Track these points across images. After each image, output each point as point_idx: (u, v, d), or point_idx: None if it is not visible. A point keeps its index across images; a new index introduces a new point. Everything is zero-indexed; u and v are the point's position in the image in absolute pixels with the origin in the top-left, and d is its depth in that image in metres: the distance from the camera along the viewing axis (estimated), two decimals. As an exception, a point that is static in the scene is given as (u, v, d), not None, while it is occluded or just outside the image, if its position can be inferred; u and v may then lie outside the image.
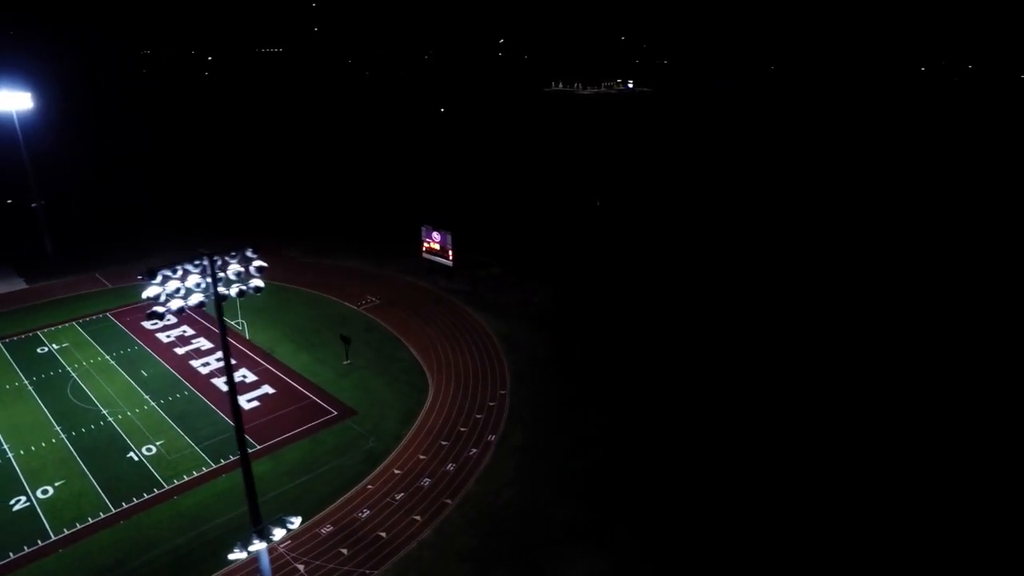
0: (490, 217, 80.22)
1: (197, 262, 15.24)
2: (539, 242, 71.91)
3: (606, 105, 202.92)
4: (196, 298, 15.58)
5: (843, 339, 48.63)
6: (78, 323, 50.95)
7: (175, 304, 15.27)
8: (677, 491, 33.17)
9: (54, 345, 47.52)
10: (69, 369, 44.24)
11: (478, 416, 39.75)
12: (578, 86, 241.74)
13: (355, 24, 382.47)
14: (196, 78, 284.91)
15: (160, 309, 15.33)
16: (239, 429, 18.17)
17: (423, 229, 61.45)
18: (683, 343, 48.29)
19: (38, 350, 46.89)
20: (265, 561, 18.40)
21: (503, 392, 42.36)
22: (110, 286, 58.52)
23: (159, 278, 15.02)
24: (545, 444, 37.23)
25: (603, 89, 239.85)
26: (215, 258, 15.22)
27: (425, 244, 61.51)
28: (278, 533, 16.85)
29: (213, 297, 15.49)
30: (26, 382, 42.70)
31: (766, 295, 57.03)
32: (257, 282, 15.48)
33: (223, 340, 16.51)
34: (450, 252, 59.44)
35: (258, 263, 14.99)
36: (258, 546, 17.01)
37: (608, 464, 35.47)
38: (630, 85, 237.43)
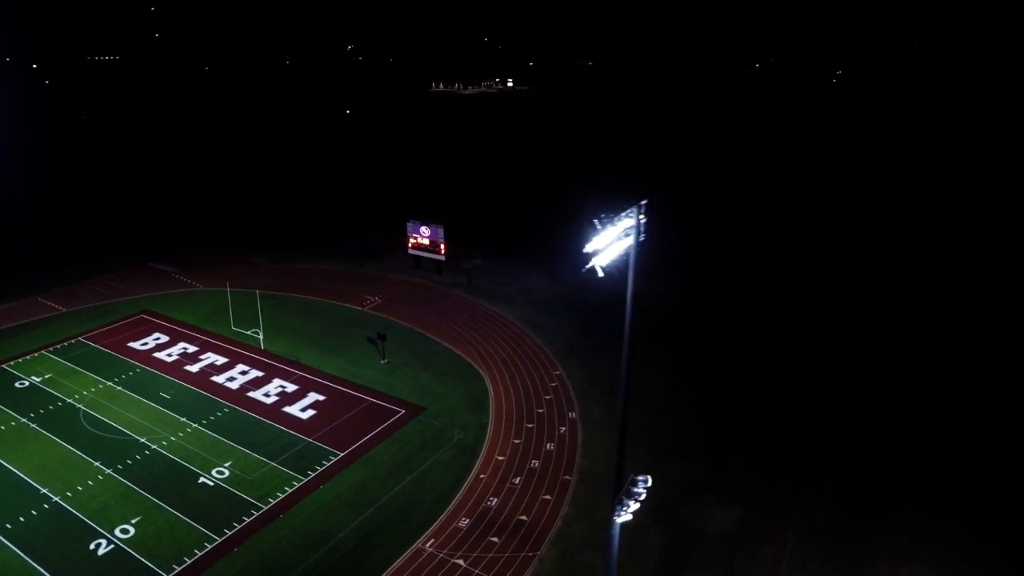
0: (450, 213, 79.37)
1: (624, 214, 14.57)
2: (508, 232, 72.53)
3: (497, 103, 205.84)
4: (618, 250, 14.80)
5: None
6: (48, 351, 44.23)
7: (609, 257, 14.41)
8: (766, 441, 35.74)
9: (33, 378, 41.00)
10: (70, 400, 38.51)
11: (547, 397, 39.98)
12: (458, 86, 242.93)
13: (202, 30, 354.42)
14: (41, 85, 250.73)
15: (603, 263, 14.47)
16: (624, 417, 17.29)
17: (409, 225, 59.79)
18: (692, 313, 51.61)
19: (16, 384, 40.26)
20: (616, 534, 18.07)
21: (558, 373, 42.82)
22: (64, 309, 51.14)
23: (605, 228, 14.19)
24: (624, 415, 38.30)
25: (483, 88, 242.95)
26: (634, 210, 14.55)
27: (412, 240, 59.85)
28: (643, 490, 16.64)
29: (633, 250, 14.86)
30: (23, 420, 36.63)
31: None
32: (630, 239, 15.07)
33: (630, 299, 15.50)
34: (442, 246, 58.44)
35: (642, 218, 14.63)
36: (634, 506, 16.68)
37: (691, 426, 37.30)
38: (510, 84, 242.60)
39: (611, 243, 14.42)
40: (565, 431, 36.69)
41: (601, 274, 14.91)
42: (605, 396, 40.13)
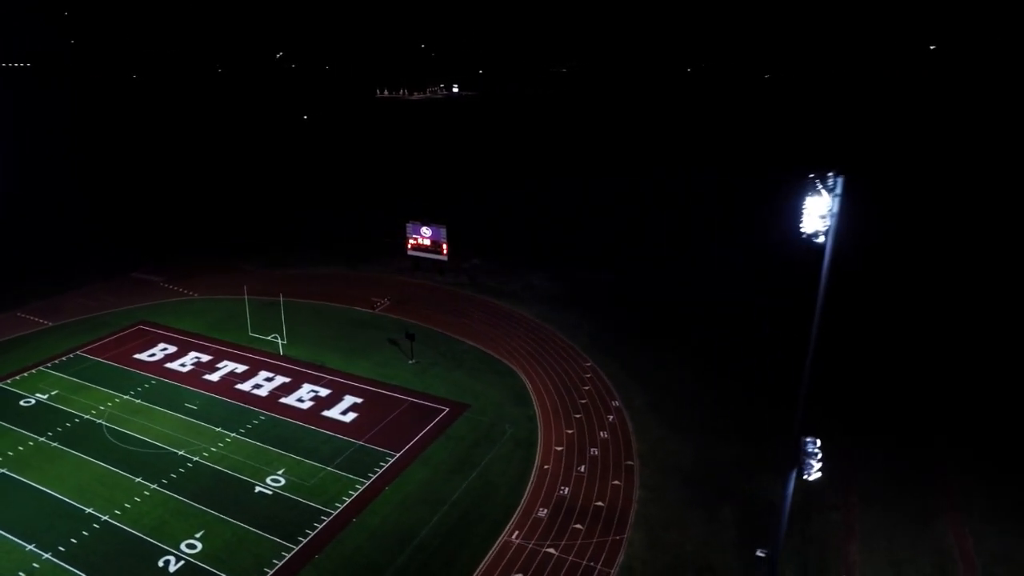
0: (447, 213, 78.61)
1: (827, 183, 14.65)
2: (506, 232, 72.49)
3: (447, 109, 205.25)
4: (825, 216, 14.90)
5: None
6: (47, 367, 41.12)
7: (825, 219, 14.43)
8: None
9: (39, 395, 38.03)
10: (87, 416, 35.93)
11: (586, 388, 40.17)
12: (403, 92, 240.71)
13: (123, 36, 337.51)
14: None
15: (822, 227, 14.46)
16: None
17: (409, 226, 58.87)
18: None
19: (21, 403, 37.24)
20: (790, 493, 18.32)
21: (589, 364, 43.09)
22: (50, 324, 47.59)
23: (826, 192, 14.23)
24: (664, 401, 38.95)
25: (428, 94, 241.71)
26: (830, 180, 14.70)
27: (412, 241, 58.94)
28: (817, 450, 16.95)
29: (833, 221, 14.93)
30: (42, 439, 33.93)
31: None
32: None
33: (826, 269, 15.42)
34: (444, 246, 57.79)
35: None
36: (817, 466, 16.95)
37: (727, 409, 38.22)
38: (455, 89, 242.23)
39: (823, 213, 14.74)
40: (614, 419, 36.96)
41: (822, 239, 15.15)
42: (644, 385, 40.61)
